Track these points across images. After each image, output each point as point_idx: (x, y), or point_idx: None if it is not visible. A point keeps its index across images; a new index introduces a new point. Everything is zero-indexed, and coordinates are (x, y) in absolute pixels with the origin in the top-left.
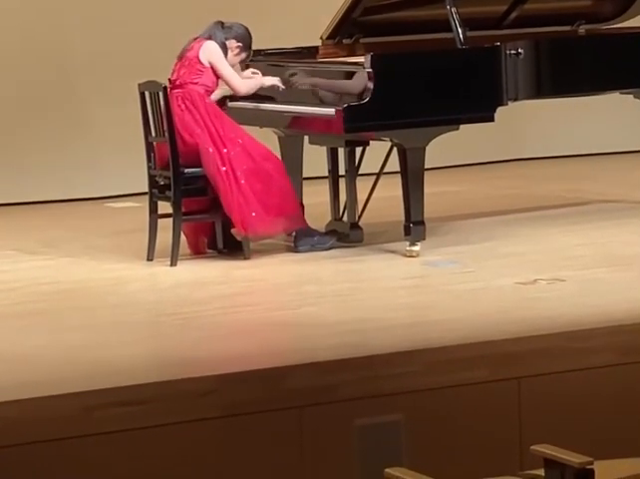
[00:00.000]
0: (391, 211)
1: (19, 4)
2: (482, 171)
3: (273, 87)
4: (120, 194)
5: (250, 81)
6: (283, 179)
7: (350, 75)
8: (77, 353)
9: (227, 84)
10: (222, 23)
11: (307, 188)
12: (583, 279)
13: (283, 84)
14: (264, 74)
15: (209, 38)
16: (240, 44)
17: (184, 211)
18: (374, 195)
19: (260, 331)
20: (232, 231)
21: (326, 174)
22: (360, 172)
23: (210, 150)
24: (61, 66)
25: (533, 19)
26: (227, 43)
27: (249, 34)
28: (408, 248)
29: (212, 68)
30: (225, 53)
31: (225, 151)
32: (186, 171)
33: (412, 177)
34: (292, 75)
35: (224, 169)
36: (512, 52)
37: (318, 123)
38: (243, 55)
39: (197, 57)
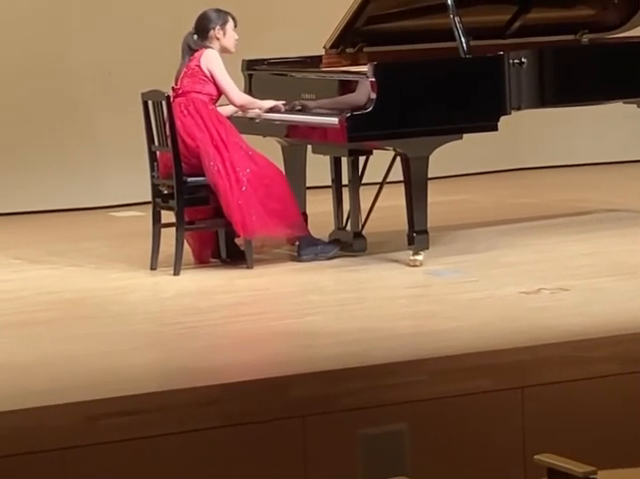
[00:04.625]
0: (394, 220)
1: (22, 13)
2: (487, 180)
3: (274, 109)
4: (123, 203)
5: (249, 96)
6: (285, 186)
7: (352, 86)
8: (80, 362)
9: (224, 93)
10: (190, 33)
11: (310, 197)
12: (587, 289)
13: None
14: (268, 83)
15: (193, 49)
16: (217, 25)
17: (188, 220)
18: (377, 204)
19: (263, 341)
20: (236, 240)
21: (329, 183)
22: (363, 181)
23: (211, 151)
24: (64, 76)
25: (537, 28)
26: (209, 40)
27: (214, 10)
28: (411, 258)
29: (212, 76)
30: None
31: (228, 154)
32: (189, 180)
33: (415, 186)
34: (296, 103)
35: (225, 170)
36: (516, 61)
37: (321, 132)
38: (229, 26)
39: (199, 66)
